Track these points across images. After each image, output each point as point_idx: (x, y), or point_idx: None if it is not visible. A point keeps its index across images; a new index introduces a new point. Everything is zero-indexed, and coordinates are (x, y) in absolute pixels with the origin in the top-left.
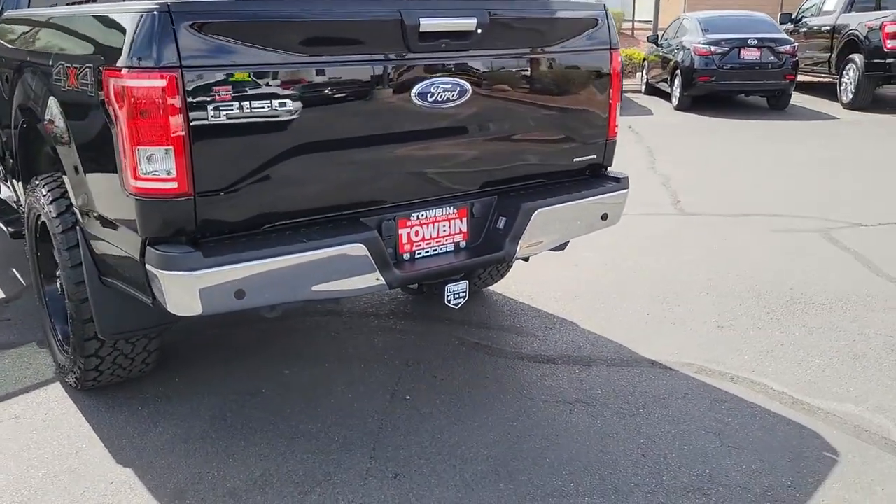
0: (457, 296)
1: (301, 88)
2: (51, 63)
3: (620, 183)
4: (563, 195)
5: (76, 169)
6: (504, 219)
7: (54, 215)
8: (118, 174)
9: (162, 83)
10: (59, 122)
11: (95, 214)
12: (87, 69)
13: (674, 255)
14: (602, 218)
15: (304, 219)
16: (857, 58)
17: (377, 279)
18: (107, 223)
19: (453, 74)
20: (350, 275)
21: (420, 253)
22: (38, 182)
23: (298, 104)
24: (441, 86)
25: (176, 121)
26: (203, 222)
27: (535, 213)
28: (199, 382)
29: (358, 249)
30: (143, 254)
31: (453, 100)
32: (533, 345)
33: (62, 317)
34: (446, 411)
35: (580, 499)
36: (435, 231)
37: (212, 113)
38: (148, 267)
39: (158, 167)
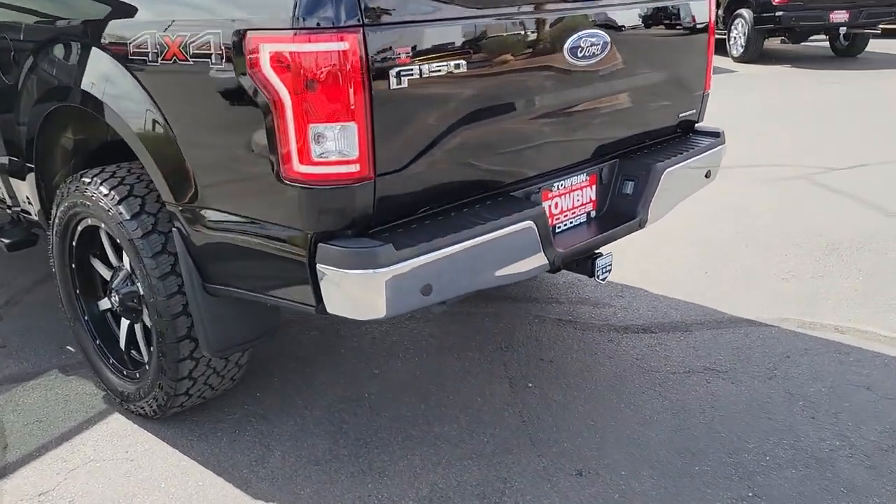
0: (605, 269)
1: (472, 47)
2: (120, 35)
3: (720, 137)
4: (683, 153)
5: (176, 160)
6: (632, 182)
7: (128, 217)
8: (269, 160)
9: (343, 46)
10: (143, 104)
11: (212, 212)
12: (208, 36)
13: (684, 211)
14: (706, 176)
15: (463, 199)
16: (745, 12)
17: (542, 259)
18: (235, 220)
19: (597, 27)
20: (521, 257)
21: (559, 227)
22: (88, 179)
23: (471, 65)
24: (589, 39)
25: (359, 91)
26: (379, 210)
27: (664, 173)
28: (286, 395)
29: (529, 227)
30: (312, 253)
31: (597, 55)
32: (617, 315)
33: (111, 338)
34: (580, 396)
35: (787, 472)
36: (570, 202)
37: (394, 79)
38: (321, 267)
39: (334, 148)
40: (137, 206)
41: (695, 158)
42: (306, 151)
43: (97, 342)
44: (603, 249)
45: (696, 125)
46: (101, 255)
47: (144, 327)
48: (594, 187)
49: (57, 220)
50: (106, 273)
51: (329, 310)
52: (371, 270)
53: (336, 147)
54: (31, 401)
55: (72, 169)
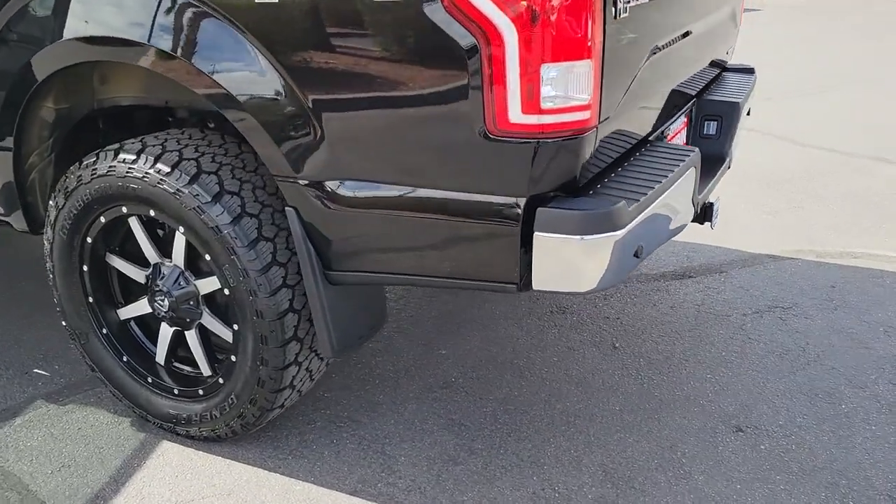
0: (717, 215)
1: None
2: None
3: (755, 73)
4: (744, 89)
5: (300, 123)
6: (714, 122)
7: (208, 199)
8: (467, 113)
9: None
10: (244, 55)
11: (361, 185)
12: None
13: None
14: (748, 113)
15: (625, 146)
16: None
17: (692, 208)
18: (398, 192)
19: None
20: (685, 206)
21: None
22: (132, 156)
23: None
24: None
25: (597, 23)
26: (592, 163)
27: (743, 109)
28: (359, 391)
29: (693, 173)
30: (527, 220)
31: None
32: (644, 264)
33: (142, 352)
34: (674, 349)
35: None
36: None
37: (620, 8)
38: (540, 236)
39: (565, 92)
40: (215, 185)
41: (751, 94)
42: (532, 98)
43: (124, 359)
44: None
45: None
46: (121, 251)
47: (202, 334)
48: (686, 129)
49: (64, 213)
50: (136, 274)
51: (535, 285)
52: (607, 234)
53: (567, 91)
54: (36, 442)
55: (51, 147)
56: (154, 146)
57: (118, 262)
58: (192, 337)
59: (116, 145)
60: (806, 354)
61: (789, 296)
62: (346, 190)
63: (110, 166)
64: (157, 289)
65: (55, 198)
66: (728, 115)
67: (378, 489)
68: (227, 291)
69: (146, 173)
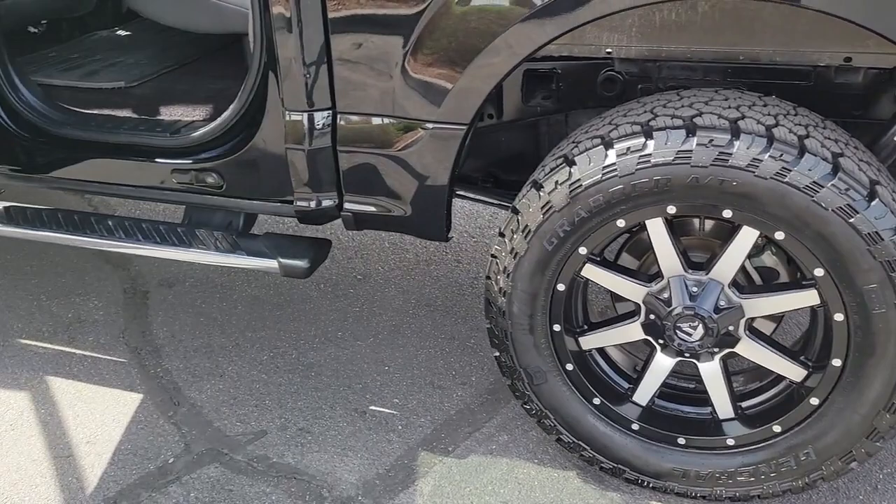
0: None
1: None
2: None
3: None
4: None
5: None
6: None
7: (862, 194)
8: None
9: None
10: None
11: None
12: None
13: None
14: None
15: None
16: None
17: None
18: None
19: None
20: None
21: None
22: (717, 134)
23: None
24: None
25: None
26: None
27: None
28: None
29: None
30: None
31: None
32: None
33: (610, 391)
34: None
35: None
36: None
37: None
38: None
39: None
40: (862, 173)
41: None
42: None
43: (595, 401)
44: None
45: None
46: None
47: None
48: None
49: (561, 217)
50: (633, 292)
51: None
52: None
53: None
54: None
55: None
56: (740, 119)
57: (606, 278)
58: (710, 370)
59: (646, 115)
60: None
61: None
62: None
63: (682, 151)
64: (674, 311)
65: (542, 197)
66: None
67: None
68: (839, 318)
69: (756, 160)
